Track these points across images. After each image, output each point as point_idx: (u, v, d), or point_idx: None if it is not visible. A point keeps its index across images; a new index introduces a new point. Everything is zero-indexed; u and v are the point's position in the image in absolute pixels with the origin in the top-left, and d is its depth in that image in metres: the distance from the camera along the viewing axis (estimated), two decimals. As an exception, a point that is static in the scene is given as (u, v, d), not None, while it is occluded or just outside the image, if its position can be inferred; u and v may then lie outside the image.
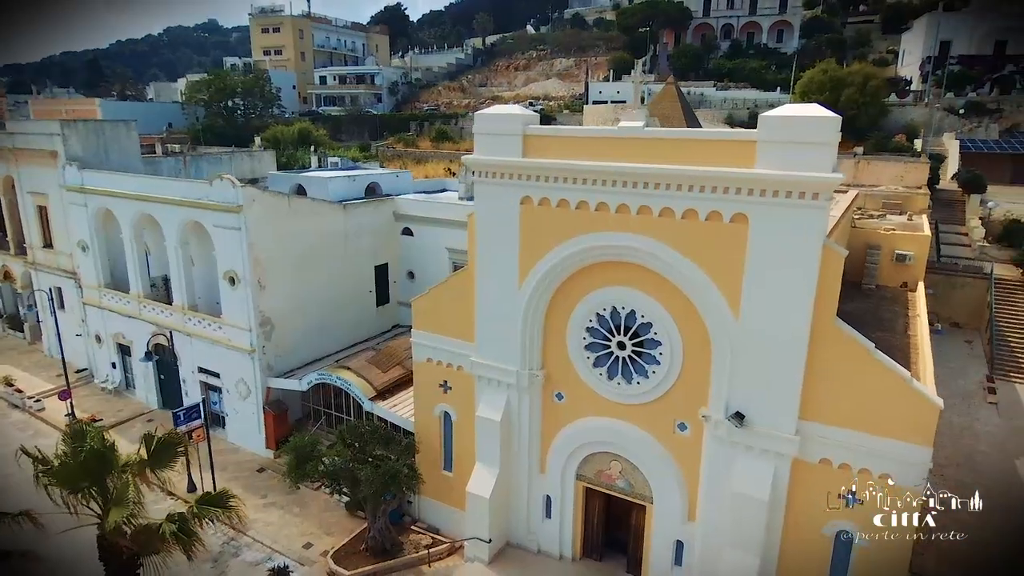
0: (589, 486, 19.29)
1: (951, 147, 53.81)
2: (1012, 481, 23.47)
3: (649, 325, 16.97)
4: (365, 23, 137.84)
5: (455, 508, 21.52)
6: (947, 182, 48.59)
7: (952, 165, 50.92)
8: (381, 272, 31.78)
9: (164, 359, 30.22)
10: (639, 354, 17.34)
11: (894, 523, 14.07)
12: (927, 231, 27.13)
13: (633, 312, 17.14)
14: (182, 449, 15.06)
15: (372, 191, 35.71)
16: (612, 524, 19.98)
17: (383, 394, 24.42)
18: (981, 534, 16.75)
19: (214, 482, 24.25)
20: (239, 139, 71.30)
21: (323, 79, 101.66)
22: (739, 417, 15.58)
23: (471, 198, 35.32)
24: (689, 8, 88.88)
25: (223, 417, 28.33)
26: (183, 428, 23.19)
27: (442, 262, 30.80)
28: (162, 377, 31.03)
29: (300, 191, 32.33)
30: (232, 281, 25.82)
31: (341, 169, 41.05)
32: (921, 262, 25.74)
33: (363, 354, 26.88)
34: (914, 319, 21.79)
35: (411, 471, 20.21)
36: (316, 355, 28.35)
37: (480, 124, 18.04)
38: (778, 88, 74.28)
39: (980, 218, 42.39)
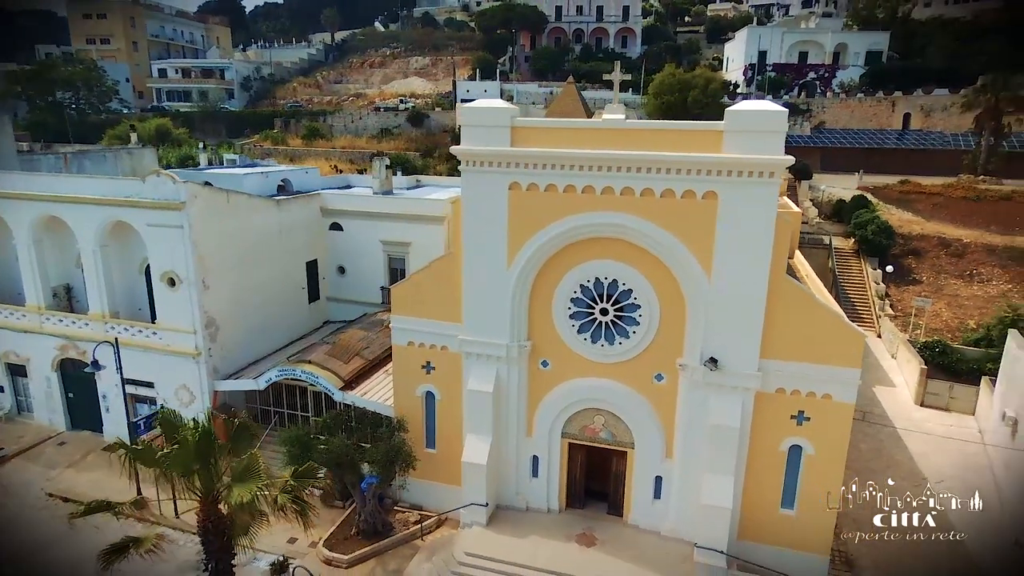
0: (573, 441, 21.51)
1: (778, 142, 63.23)
2: (874, 402, 29.59)
3: (630, 291, 19.56)
4: (192, 12, 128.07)
5: (439, 483, 22.70)
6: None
7: (782, 157, 60.02)
8: (311, 268, 31.51)
9: (72, 374, 27.68)
10: (620, 318, 19.87)
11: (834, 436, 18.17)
12: (796, 208, 32.77)
13: (615, 281, 19.62)
14: (255, 435, 14.89)
15: (282, 188, 35.10)
16: (591, 475, 22.35)
17: (349, 384, 24.74)
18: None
19: (174, 493, 23.10)
20: (76, 137, 64.02)
21: (163, 72, 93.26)
22: (713, 362, 18.66)
23: (387, 193, 36.15)
24: (544, 12, 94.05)
25: (159, 429, 26.63)
26: (144, 437, 21.88)
27: (376, 255, 31.40)
28: (71, 395, 28.30)
29: (210, 189, 31.00)
30: (172, 282, 24.56)
31: (241, 166, 39.40)
32: (796, 234, 31.15)
33: (315, 348, 26.76)
34: (804, 279, 26.65)
35: (408, 447, 21.12)
36: (258, 355, 27.76)
37: (467, 116, 19.45)
38: (630, 89, 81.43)
39: (811, 200, 50.82)
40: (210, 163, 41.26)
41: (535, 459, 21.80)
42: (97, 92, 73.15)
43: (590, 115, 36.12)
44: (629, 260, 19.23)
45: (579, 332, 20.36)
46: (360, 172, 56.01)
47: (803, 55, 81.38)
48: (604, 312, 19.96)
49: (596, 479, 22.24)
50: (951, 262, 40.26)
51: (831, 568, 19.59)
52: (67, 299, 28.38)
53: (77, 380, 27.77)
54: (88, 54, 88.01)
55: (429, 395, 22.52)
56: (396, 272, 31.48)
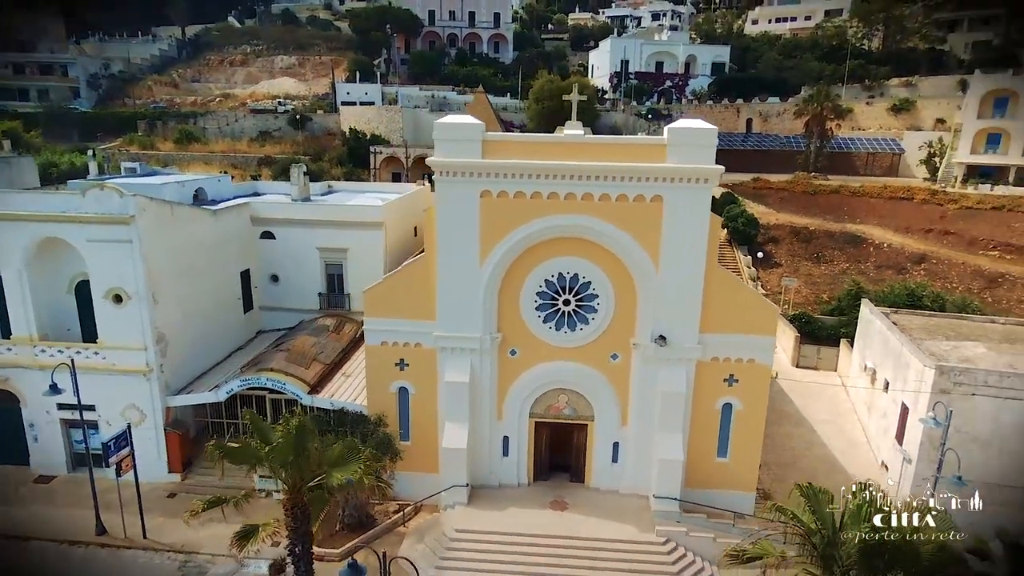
0: (540, 420, 24.07)
1: (648, 144, 69.95)
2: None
3: (589, 283, 22.46)
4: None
5: (415, 472, 24.19)
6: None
7: (653, 158, 66.61)
8: (244, 278, 31.22)
9: (-12, 406, 25.62)
10: (580, 307, 22.72)
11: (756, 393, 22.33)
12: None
13: (576, 275, 22.43)
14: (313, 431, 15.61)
15: (197, 197, 34.25)
16: (554, 449, 25.00)
17: (315, 388, 25.40)
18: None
19: (142, 513, 22.72)
20: None
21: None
22: (662, 339, 22.09)
23: (305, 199, 36.45)
24: (418, 16, 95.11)
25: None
26: (114, 459, 21.31)
27: (312, 262, 31.77)
28: (-15, 428, 26.08)
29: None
30: (118, 299, 23.76)
31: (142, 175, 37.42)
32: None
33: (271, 356, 26.92)
34: (707, 266, 31.17)
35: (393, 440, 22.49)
36: (204, 368, 27.45)
37: (440, 131, 21.25)
38: (508, 94, 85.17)
39: (684, 197, 57.16)
40: (101, 171, 38.58)
41: (506, 440, 24.08)
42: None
43: (500, 121, 38.85)
44: (588, 256, 22.12)
45: (544, 322, 22.94)
46: (254, 178, 54.51)
47: (659, 64, 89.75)
48: (567, 303, 22.70)
49: (559, 452, 24.98)
50: (802, 247, 47.82)
51: (757, 499, 23.85)
52: (-25, 325, 26.03)
53: (-6, 410, 25.72)
54: None
55: (403, 390, 23.97)
56: (333, 278, 32.10)
